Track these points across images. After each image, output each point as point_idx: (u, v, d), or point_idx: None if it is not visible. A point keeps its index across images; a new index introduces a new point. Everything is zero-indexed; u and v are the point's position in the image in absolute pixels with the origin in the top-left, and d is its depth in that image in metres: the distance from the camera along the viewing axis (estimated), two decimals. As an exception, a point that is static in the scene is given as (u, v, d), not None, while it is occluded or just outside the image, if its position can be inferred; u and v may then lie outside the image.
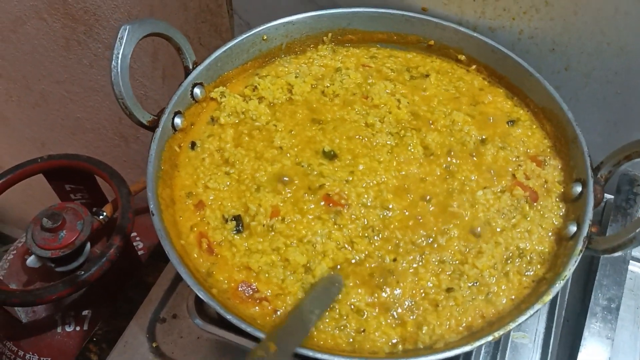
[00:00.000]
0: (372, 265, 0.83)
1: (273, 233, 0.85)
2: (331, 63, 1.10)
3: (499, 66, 1.03)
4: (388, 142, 0.95)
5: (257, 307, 0.79)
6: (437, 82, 1.05)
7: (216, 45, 1.01)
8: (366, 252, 0.84)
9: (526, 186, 0.90)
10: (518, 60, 0.99)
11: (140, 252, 1.55)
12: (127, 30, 0.85)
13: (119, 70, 0.85)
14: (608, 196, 1.10)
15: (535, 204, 0.89)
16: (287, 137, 0.97)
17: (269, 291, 0.80)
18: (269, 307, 0.79)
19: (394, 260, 0.83)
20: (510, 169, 0.93)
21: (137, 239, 1.64)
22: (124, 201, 1.30)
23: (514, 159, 0.94)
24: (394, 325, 0.78)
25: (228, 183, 0.91)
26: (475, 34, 1.04)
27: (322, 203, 0.88)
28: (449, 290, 0.81)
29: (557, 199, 0.90)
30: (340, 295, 0.80)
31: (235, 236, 0.86)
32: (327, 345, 0.76)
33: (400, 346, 0.77)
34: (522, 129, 0.98)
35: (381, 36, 1.11)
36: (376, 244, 0.85)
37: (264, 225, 0.86)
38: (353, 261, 0.83)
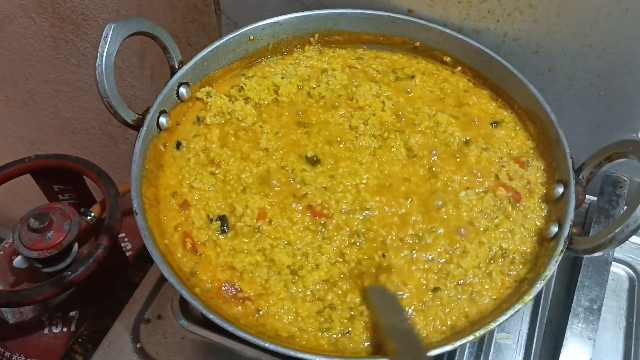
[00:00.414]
0: (362, 268, 0.83)
1: (259, 234, 0.85)
2: (317, 64, 1.10)
3: (484, 68, 1.04)
4: (371, 145, 0.96)
5: (240, 307, 0.79)
6: (422, 84, 1.06)
7: (204, 45, 1.01)
8: (356, 260, 0.84)
9: (509, 187, 0.91)
10: (502, 62, 1.00)
11: (128, 253, 1.55)
12: (111, 29, 0.85)
13: (103, 68, 0.84)
14: (591, 198, 1.11)
15: (517, 204, 0.90)
16: (273, 139, 0.97)
17: (252, 291, 0.80)
18: (252, 307, 0.79)
19: (383, 256, 0.83)
20: (494, 170, 0.94)
21: (126, 239, 1.64)
22: (111, 201, 1.30)
23: (497, 160, 0.95)
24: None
25: (213, 183, 0.91)
26: (460, 36, 1.05)
27: (308, 214, 0.88)
28: (435, 289, 0.81)
29: (540, 200, 0.90)
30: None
31: (220, 236, 0.85)
32: (309, 345, 0.76)
33: None
34: (506, 131, 0.99)
35: (367, 37, 1.11)
36: (363, 247, 0.85)
37: (249, 227, 0.86)
38: (346, 271, 0.83)
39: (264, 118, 1.01)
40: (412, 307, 0.80)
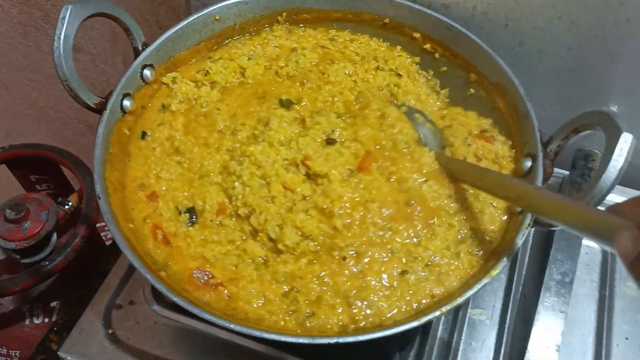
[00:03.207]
0: (329, 248, 0.82)
1: (223, 228, 0.85)
2: (287, 43, 1.08)
3: (454, 43, 1.02)
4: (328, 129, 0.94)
5: (212, 293, 0.79)
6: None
7: (174, 25, 0.99)
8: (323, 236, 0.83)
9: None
10: (471, 36, 0.99)
11: (108, 242, 1.54)
12: (69, 10, 0.83)
13: (61, 51, 0.83)
14: (565, 172, 1.11)
15: None
16: (228, 119, 0.96)
17: (223, 277, 0.80)
18: (225, 292, 0.79)
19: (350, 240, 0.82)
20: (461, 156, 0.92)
21: (106, 228, 1.62)
22: (89, 190, 1.29)
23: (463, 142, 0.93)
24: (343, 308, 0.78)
25: (180, 173, 0.90)
26: (429, 11, 1.03)
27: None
28: (403, 272, 0.80)
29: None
30: None
31: (190, 228, 0.85)
32: (277, 327, 0.76)
33: (352, 326, 0.76)
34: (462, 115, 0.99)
35: (337, 14, 1.10)
36: (325, 230, 0.83)
37: (211, 221, 0.86)
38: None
39: (223, 99, 0.99)
40: (380, 293, 0.79)
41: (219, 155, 0.92)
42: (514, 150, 0.91)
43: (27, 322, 1.33)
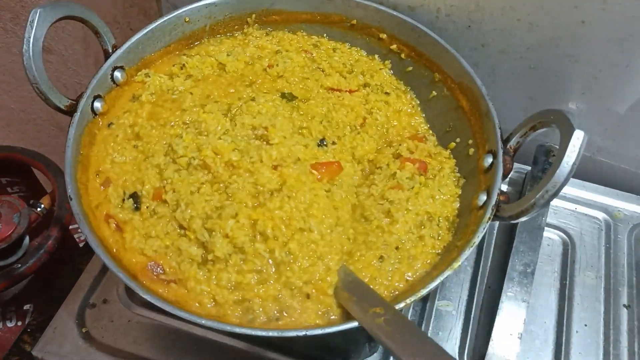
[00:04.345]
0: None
1: (161, 221, 0.84)
2: (268, 45, 1.10)
3: (419, 44, 1.06)
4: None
5: (166, 290, 0.78)
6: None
7: (144, 27, 1.00)
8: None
9: (413, 159, 0.94)
10: (435, 37, 1.02)
11: (82, 244, 1.54)
12: (37, 14, 0.84)
13: (30, 54, 0.83)
14: (527, 167, 1.15)
15: (427, 172, 0.93)
16: (199, 99, 0.96)
17: (172, 274, 0.79)
18: (178, 291, 0.78)
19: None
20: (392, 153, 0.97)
21: (79, 230, 1.62)
22: (61, 192, 1.29)
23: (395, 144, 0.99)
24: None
25: (134, 157, 0.90)
26: (395, 13, 1.06)
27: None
28: (380, 259, 0.84)
29: (449, 169, 0.95)
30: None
31: (134, 216, 0.84)
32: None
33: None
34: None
35: (305, 16, 1.12)
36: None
37: (147, 207, 0.85)
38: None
39: (198, 85, 1.00)
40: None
41: (172, 131, 0.91)
42: (472, 149, 0.95)
43: (0, 325, 1.33)
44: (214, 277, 0.79)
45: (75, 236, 1.61)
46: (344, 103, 1.03)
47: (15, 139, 1.94)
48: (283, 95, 0.98)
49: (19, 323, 1.38)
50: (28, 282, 1.33)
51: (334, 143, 0.96)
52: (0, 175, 1.45)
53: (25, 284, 1.33)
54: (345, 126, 1.00)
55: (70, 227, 1.34)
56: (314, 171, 0.89)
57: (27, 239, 1.26)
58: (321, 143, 0.94)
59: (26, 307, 1.37)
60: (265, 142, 0.90)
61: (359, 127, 1.01)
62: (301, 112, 0.97)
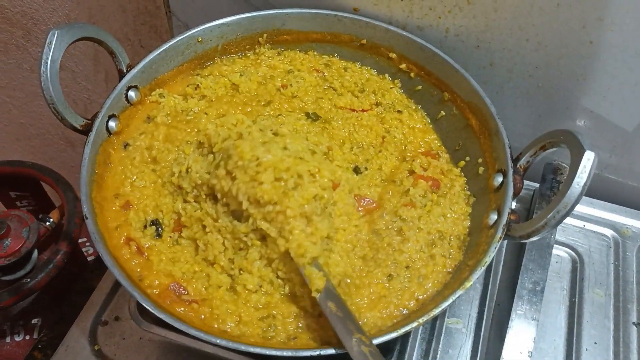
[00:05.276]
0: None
1: (185, 250, 0.86)
2: (280, 65, 1.12)
3: (428, 63, 1.07)
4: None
5: (186, 309, 0.80)
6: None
7: (157, 47, 1.02)
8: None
9: (427, 177, 0.96)
10: (444, 56, 1.03)
11: (90, 258, 1.54)
12: (55, 35, 0.85)
13: (48, 75, 0.85)
14: (535, 185, 1.16)
15: (439, 190, 0.95)
16: (214, 119, 0.97)
17: (197, 294, 0.81)
18: (199, 310, 0.80)
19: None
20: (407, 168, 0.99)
21: (87, 244, 1.63)
22: (70, 206, 1.29)
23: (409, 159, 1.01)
24: None
25: (154, 181, 0.92)
26: (404, 33, 1.08)
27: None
28: (389, 277, 0.84)
29: (459, 187, 0.96)
30: None
31: (157, 242, 0.86)
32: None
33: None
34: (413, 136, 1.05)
35: (315, 36, 1.14)
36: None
37: (170, 237, 0.87)
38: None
39: (212, 106, 1.01)
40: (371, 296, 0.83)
41: (188, 150, 0.93)
42: (482, 167, 0.96)
43: (8, 339, 1.33)
44: (242, 300, 0.81)
45: (84, 250, 1.62)
46: (362, 123, 1.04)
47: (24, 153, 1.95)
48: (307, 115, 0.99)
49: (27, 337, 1.38)
50: (36, 296, 1.34)
51: (366, 169, 0.98)
52: (9, 189, 1.45)
53: (33, 298, 1.33)
54: (369, 147, 1.01)
55: (79, 240, 1.34)
56: (355, 202, 0.92)
57: (35, 253, 1.27)
58: (357, 170, 0.96)
59: (34, 321, 1.37)
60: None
61: (380, 146, 1.02)
62: (329, 134, 0.99)
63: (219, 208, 0.84)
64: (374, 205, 0.93)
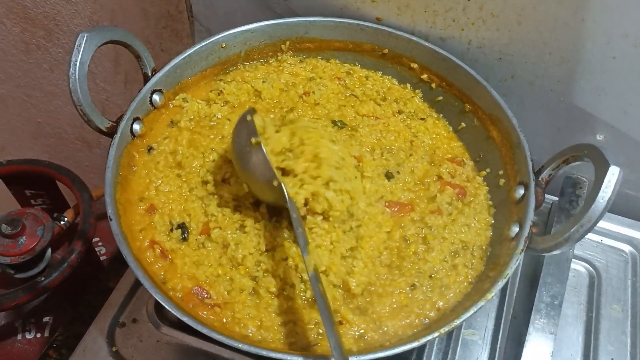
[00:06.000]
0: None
1: (211, 253, 0.86)
2: (302, 72, 1.13)
3: (450, 74, 1.07)
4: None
5: (208, 313, 0.80)
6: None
7: (178, 51, 1.03)
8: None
9: (454, 184, 0.96)
10: (467, 68, 1.04)
11: (103, 258, 1.54)
12: (84, 38, 0.86)
13: (77, 77, 0.86)
14: (553, 198, 1.16)
15: (464, 198, 0.95)
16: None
17: (219, 298, 0.82)
18: (220, 314, 0.80)
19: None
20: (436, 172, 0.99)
21: (100, 244, 1.63)
22: (85, 206, 1.30)
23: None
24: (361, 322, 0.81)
25: (179, 185, 0.92)
26: (426, 44, 1.08)
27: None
28: (412, 287, 0.85)
29: (483, 196, 0.96)
30: None
31: (182, 246, 0.87)
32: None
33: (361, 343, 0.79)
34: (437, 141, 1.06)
35: (338, 44, 1.14)
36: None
37: (196, 240, 0.87)
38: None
39: (235, 112, 1.02)
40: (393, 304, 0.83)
41: (212, 157, 0.94)
42: (503, 179, 0.96)
43: (19, 337, 1.33)
44: (264, 304, 0.81)
45: (97, 249, 1.62)
46: (389, 129, 1.05)
47: (40, 151, 1.96)
48: (334, 123, 1.00)
49: (38, 335, 1.38)
50: (48, 295, 1.34)
51: (398, 172, 0.98)
52: (25, 187, 1.46)
53: (44, 296, 1.34)
54: (399, 151, 1.01)
55: (93, 240, 1.35)
56: (387, 209, 0.93)
57: (49, 251, 1.28)
58: (388, 175, 0.97)
59: (45, 319, 1.37)
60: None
61: (410, 149, 1.03)
62: (358, 141, 1.00)
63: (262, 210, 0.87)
64: (407, 207, 0.93)
